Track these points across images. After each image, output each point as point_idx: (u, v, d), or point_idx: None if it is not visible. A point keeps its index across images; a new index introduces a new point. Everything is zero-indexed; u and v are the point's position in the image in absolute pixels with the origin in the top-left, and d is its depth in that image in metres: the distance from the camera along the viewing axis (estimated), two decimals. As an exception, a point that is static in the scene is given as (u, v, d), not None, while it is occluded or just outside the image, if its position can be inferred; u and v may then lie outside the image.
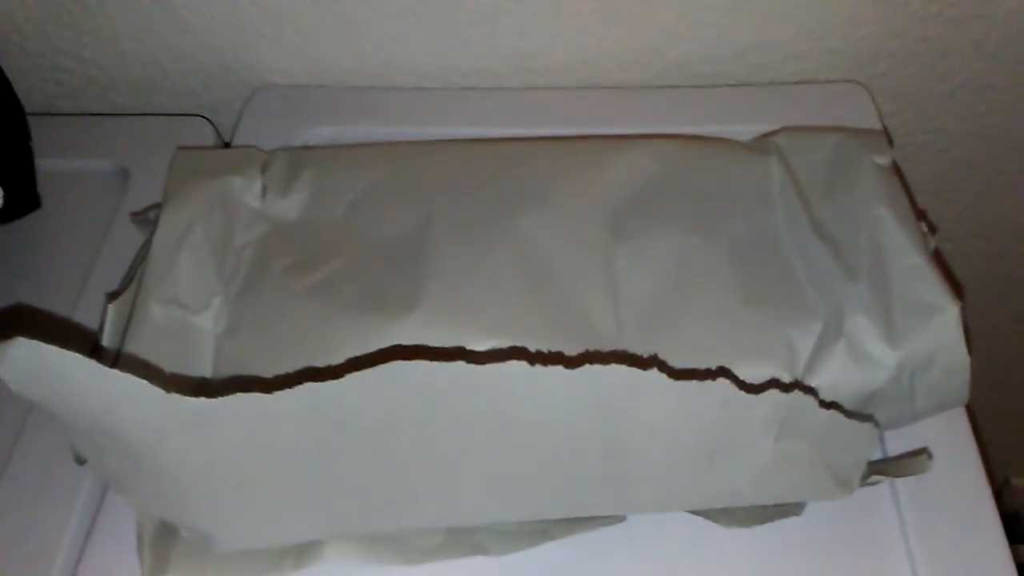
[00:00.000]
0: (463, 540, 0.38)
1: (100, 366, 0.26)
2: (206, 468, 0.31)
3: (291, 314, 0.38)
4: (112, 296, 0.38)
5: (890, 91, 0.58)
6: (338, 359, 0.36)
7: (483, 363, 0.28)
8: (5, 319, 0.45)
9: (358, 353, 0.36)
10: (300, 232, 0.42)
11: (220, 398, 0.27)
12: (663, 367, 0.34)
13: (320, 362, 0.36)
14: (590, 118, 0.52)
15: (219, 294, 0.40)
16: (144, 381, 0.27)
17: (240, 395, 0.27)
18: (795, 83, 0.56)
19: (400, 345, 0.35)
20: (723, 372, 0.36)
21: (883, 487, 0.39)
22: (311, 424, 0.29)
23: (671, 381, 0.30)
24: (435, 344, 0.36)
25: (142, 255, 0.41)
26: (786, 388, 0.33)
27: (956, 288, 0.38)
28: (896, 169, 0.43)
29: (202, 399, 0.27)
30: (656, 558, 0.38)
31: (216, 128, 0.55)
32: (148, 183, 0.50)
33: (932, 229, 0.43)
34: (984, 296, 0.75)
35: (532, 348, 0.36)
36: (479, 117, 0.53)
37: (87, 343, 0.39)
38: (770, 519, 0.38)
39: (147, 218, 0.45)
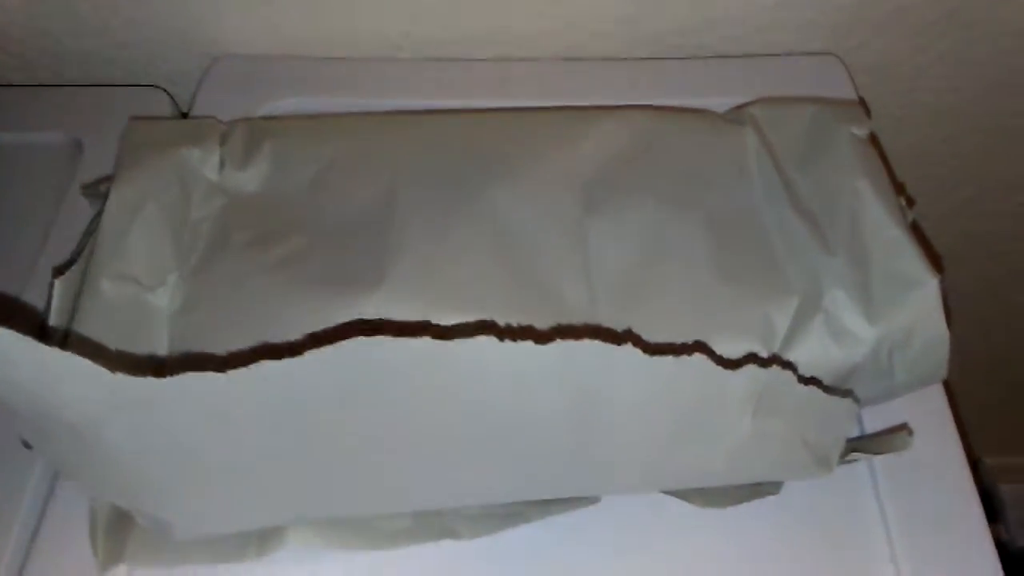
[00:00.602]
0: (433, 524, 0.37)
1: (39, 344, 0.25)
2: (157, 452, 0.29)
3: (251, 291, 0.37)
4: (59, 271, 0.36)
5: (866, 63, 0.57)
6: (298, 336, 0.35)
7: (450, 338, 0.26)
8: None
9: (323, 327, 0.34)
10: (260, 206, 0.41)
11: (169, 377, 0.26)
12: (638, 342, 0.33)
13: (281, 338, 0.35)
14: (562, 90, 0.51)
15: (175, 270, 0.38)
16: (86, 360, 0.25)
17: (191, 374, 0.26)
18: (771, 55, 0.55)
19: (363, 319, 0.33)
20: (700, 347, 0.35)
21: (860, 464, 0.39)
22: (268, 404, 0.28)
23: (646, 356, 0.29)
24: (402, 317, 0.34)
25: (92, 228, 0.39)
26: (764, 363, 0.32)
27: (935, 261, 0.38)
28: (874, 140, 0.42)
29: (150, 378, 0.26)
30: (631, 540, 0.37)
31: (174, 99, 0.53)
32: (102, 156, 0.48)
33: (910, 202, 0.42)
34: (960, 273, 0.75)
35: (502, 322, 0.35)
36: (448, 88, 0.52)
37: (34, 322, 0.37)
38: (747, 499, 0.37)
39: (98, 191, 0.43)
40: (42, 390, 0.26)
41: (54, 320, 0.36)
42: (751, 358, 0.35)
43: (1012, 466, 0.99)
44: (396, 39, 0.54)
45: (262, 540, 0.36)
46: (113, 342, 0.35)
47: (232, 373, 0.26)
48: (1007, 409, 0.93)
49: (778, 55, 0.55)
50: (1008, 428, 0.96)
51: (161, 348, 0.36)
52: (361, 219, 0.39)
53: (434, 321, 0.35)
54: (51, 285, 0.36)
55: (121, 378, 0.25)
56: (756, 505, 0.37)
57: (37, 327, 0.36)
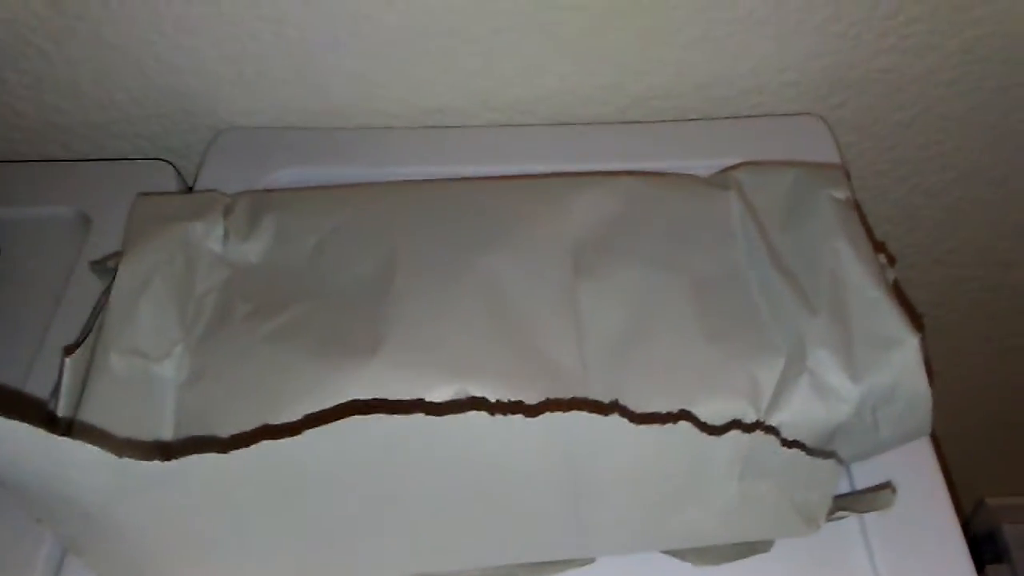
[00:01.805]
0: (431, 586, 0.37)
1: (47, 434, 0.26)
2: (164, 530, 0.30)
3: (253, 362, 0.38)
4: (70, 349, 0.38)
5: (848, 122, 0.58)
6: (301, 406, 0.36)
7: (442, 414, 0.28)
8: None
9: (319, 399, 0.36)
10: (263, 277, 0.42)
11: (174, 461, 0.27)
12: (624, 412, 0.34)
13: (282, 410, 0.36)
14: (553, 154, 0.53)
15: (180, 342, 0.39)
16: (95, 447, 0.26)
17: (195, 456, 0.27)
18: (755, 116, 0.57)
19: (358, 400, 0.35)
20: (685, 415, 0.36)
21: (851, 520, 0.39)
22: (270, 481, 0.29)
23: (632, 426, 0.30)
24: (397, 389, 0.36)
25: (101, 305, 0.41)
26: (748, 428, 0.33)
27: (915, 319, 0.39)
28: (854, 203, 0.44)
29: (155, 463, 0.27)
30: (626, 599, 0.38)
31: (179, 172, 0.55)
32: (110, 229, 0.49)
33: (891, 260, 0.44)
34: (950, 319, 0.76)
35: (496, 390, 0.36)
36: (443, 156, 0.53)
37: (41, 412, 0.38)
38: (740, 556, 0.38)
39: (106, 266, 0.44)
40: (51, 477, 0.27)
41: (64, 397, 0.37)
42: (735, 424, 0.36)
43: (1016, 506, 0.99)
44: (392, 109, 0.56)
45: (266, 607, 0.36)
46: (123, 414, 0.36)
47: (234, 453, 0.27)
48: (1009, 450, 0.94)
49: (761, 116, 0.57)
50: (1010, 469, 0.96)
51: (168, 418, 0.37)
52: (360, 288, 0.40)
53: (429, 388, 0.36)
54: (62, 363, 0.37)
55: (128, 463, 0.26)
56: (750, 562, 0.38)
57: (44, 415, 0.37)
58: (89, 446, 0.26)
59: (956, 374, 0.81)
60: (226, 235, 0.43)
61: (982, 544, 0.98)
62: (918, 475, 0.41)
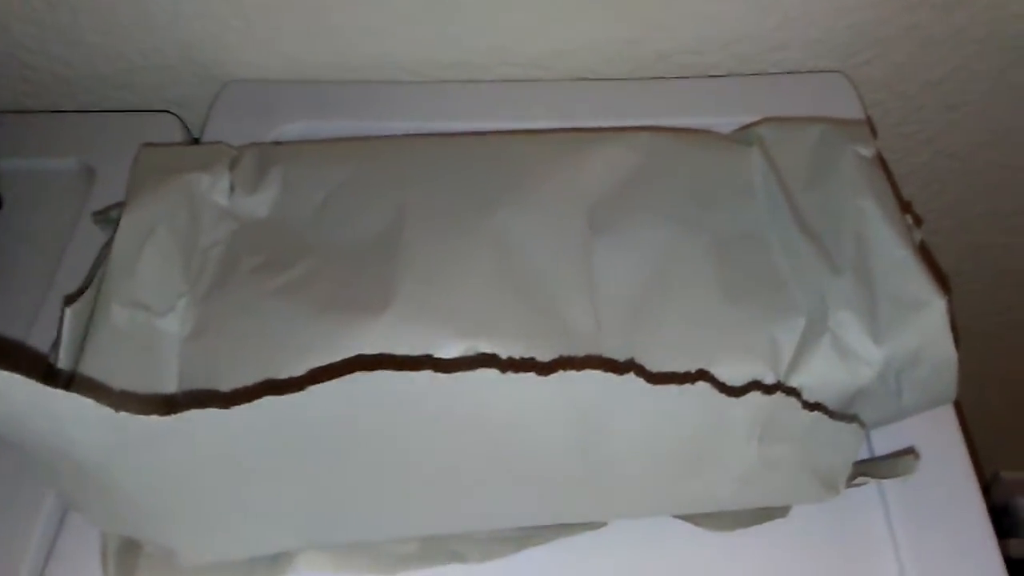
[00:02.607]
0: (440, 548, 0.37)
1: (43, 387, 0.25)
2: (165, 485, 0.29)
3: (260, 316, 0.37)
4: (70, 299, 0.37)
5: (875, 80, 0.57)
6: (308, 362, 0.35)
7: (451, 371, 0.27)
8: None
9: (327, 355, 0.35)
10: (269, 231, 0.41)
11: (173, 416, 0.26)
12: (640, 371, 0.33)
13: (288, 365, 0.35)
14: (570, 111, 0.51)
15: (185, 295, 0.38)
16: (92, 401, 0.25)
17: (195, 411, 0.26)
18: (779, 73, 0.55)
19: (363, 355, 0.34)
20: (703, 375, 0.35)
21: (870, 487, 0.38)
22: (273, 437, 0.28)
23: (648, 386, 0.29)
24: (407, 345, 0.35)
25: (103, 256, 0.40)
26: (768, 389, 0.32)
27: (942, 281, 0.37)
28: (880, 160, 0.42)
29: (155, 417, 0.26)
30: (639, 563, 0.37)
31: (185, 124, 0.54)
32: (114, 181, 0.48)
33: (918, 221, 0.42)
34: (973, 287, 0.74)
35: (508, 348, 0.35)
36: (456, 111, 0.52)
37: (40, 364, 0.38)
38: (755, 522, 0.37)
39: (109, 217, 0.43)
40: (49, 432, 0.26)
41: (65, 348, 0.36)
42: (755, 385, 0.35)
43: (1031, 480, 0.99)
44: (405, 63, 0.55)
45: (271, 565, 0.36)
46: (124, 368, 0.36)
47: (236, 409, 0.26)
48: (1024, 423, 0.93)
49: (785, 73, 0.55)
50: (1026, 442, 0.95)
51: (171, 373, 0.37)
52: (368, 243, 0.39)
53: (439, 346, 0.35)
54: (62, 314, 0.36)
55: (126, 417, 0.26)
56: (765, 528, 0.37)
57: (43, 368, 0.36)
58: (87, 400, 0.25)
59: (976, 343, 0.80)
60: (232, 188, 0.42)
61: (998, 517, 0.97)
62: (939, 442, 0.40)
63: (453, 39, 0.54)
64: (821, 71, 0.55)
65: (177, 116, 0.53)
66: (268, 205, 0.42)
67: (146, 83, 0.56)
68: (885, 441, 0.40)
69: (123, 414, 0.26)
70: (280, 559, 0.36)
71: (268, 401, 0.26)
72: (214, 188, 0.42)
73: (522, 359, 0.34)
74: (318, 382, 0.27)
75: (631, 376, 0.29)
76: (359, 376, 0.26)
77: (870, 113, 0.52)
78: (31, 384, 0.25)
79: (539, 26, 0.53)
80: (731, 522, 0.37)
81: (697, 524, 0.37)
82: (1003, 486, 0.97)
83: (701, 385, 0.30)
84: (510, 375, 0.27)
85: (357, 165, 0.43)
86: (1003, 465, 0.98)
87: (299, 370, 0.35)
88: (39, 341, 0.43)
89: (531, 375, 0.27)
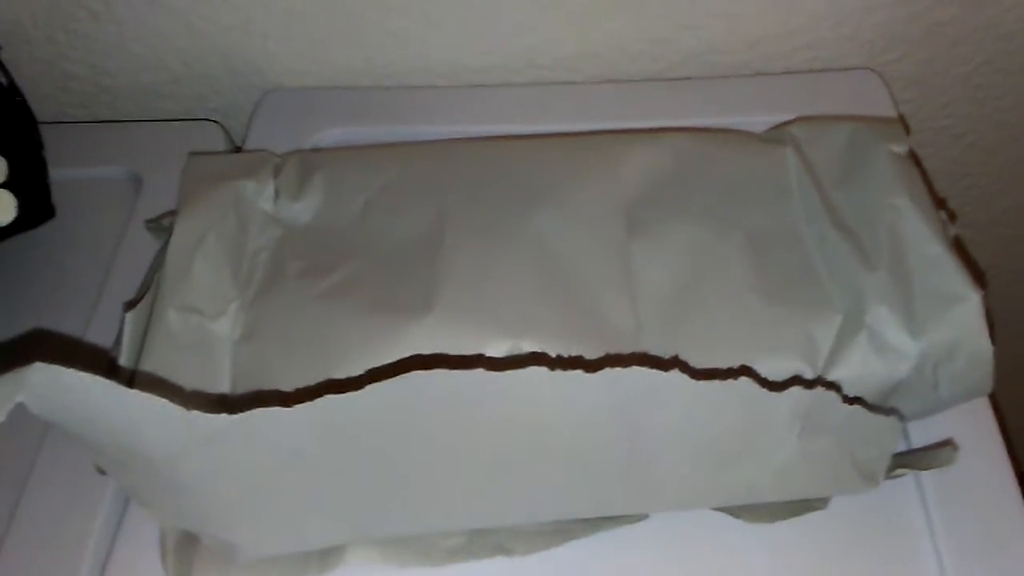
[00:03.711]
0: (486, 541, 0.37)
1: (119, 386, 0.26)
2: (227, 481, 0.31)
3: (307, 319, 0.38)
4: (130, 305, 0.38)
5: (905, 77, 0.57)
6: (354, 363, 0.36)
7: (503, 369, 0.28)
8: (23, 343, 0.45)
9: (373, 356, 0.36)
10: (314, 235, 0.42)
11: (240, 414, 0.27)
12: (684, 367, 0.33)
13: (336, 366, 0.36)
14: (601, 113, 0.52)
15: (235, 300, 0.40)
16: (164, 400, 0.27)
17: (260, 410, 0.27)
18: (809, 72, 0.56)
19: (420, 355, 0.35)
20: (744, 371, 0.35)
21: (908, 479, 0.39)
22: (332, 435, 0.29)
23: (692, 382, 0.30)
24: (451, 346, 0.36)
25: (158, 263, 0.41)
26: (808, 384, 0.33)
27: (977, 276, 0.38)
28: (913, 157, 0.43)
29: (222, 416, 0.27)
30: (680, 555, 0.38)
31: (227, 132, 0.55)
32: (161, 189, 0.50)
33: (952, 216, 0.43)
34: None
35: (550, 347, 0.36)
36: (490, 114, 0.53)
37: (102, 362, 0.39)
38: (794, 514, 0.37)
39: (161, 225, 0.45)
40: (120, 429, 0.28)
41: (124, 350, 0.37)
42: (796, 380, 0.35)
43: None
44: (437, 68, 0.56)
45: (323, 558, 0.37)
46: (180, 369, 0.37)
47: (298, 408, 0.27)
48: (1059, 415, 0.92)
49: (816, 71, 0.56)
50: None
51: (224, 374, 0.38)
52: (411, 246, 0.40)
53: (483, 346, 0.36)
54: (123, 318, 0.38)
55: (195, 415, 0.27)
56: (804, 520, 0.37)
57: (105, 365, 0.38)
58: (158, 399, 0.27)
59: (1009, 335, 0.80)
60: (277, 194, 0.43)
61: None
62: (976, 434, 0.41)
63: (483, 43, 0.55)
64: (852, 68, 0.56)
65: (220, 125, 0.55)
66: (312, 211, 0.43)
67: (188, 93, 0.57)
68: (922, 433, 0.40)
69: (193, 412, 0.27)
70: (330, 553, 0.37)
71: (328, 400, 0.27)
72: (260, 195, 0.43)
73: (569, 357, 0.35)
74: (374, 381, 0.28)
75: (675, 372, 0.29)
76: (417, 375, 0.27)
77: (900, 110, 0.52)
78: (105, 383, 0.26)
79: (567, 29, 0.54)
80: (770, 514, 0.37)
81: (737, 516, 0.38)
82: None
83: (743, 380, 0.30)
84: (559, 372, 0.28)
85: (397, 170, 0.44)
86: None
87: (347, 371, 0.36)
88: (93, 341, 0.44)
89: (579, 372, 0.28)
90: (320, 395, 0.27)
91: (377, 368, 0.35)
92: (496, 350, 0.36)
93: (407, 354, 0.35)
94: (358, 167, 0.44)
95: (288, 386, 0.36)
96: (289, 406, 0.28)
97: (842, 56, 0.56)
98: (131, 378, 0.36)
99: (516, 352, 0.36)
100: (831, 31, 0.54)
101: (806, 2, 0.52)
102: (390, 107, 0.54)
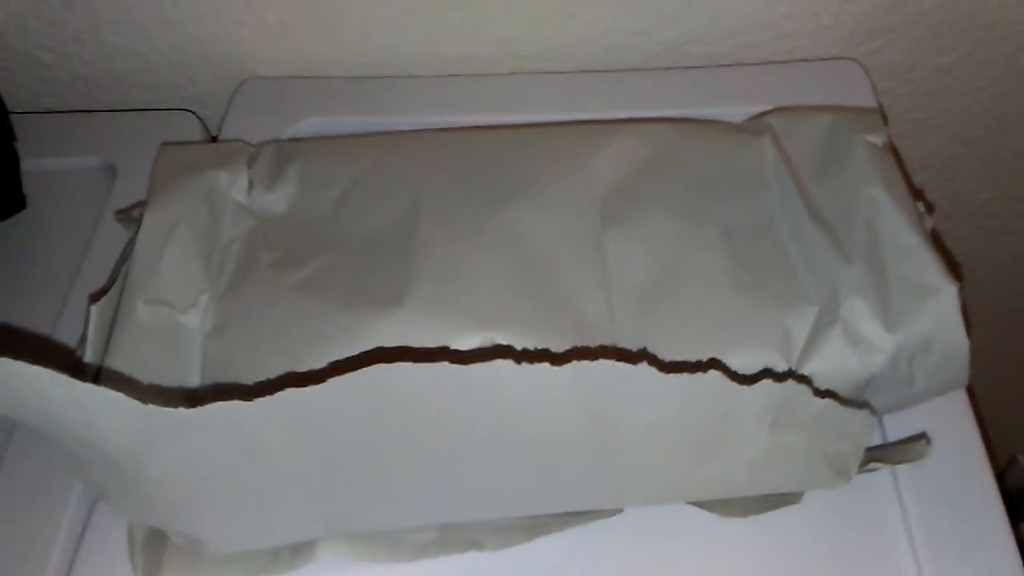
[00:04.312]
0: (458, 536, 0.37)
1: (74, 381, 0.26)
2: (191, 476, 0.30)
3: (279, 311, 0.38)
4: (95, 296, 0.38)
5: (886, 67, 0.57)
6: (326, 356, 0.36)
7: (468, 362, 0.27)
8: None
9: (346, 349, 0.35)
10: (288, 226, 0.42)
11: (199, 408, 0.27)
12: (653, 360, 0.33)
13: (308, 359, 0.36)
14: (581, 103, 0.52)
15: (206, 291, 0.39)
16: (120, 394, 0.26)
17: (220, 404, 0.27)
18: (789, 62, 0.56)
19: (383, 347, 0.34)
20: (714, 364, 0.35)
21: (883, 472, 0.39)
22: (295, 429, 0.29)
23: (661, 375, 0.29)
24: (423, 339, 0.35)
25: (126, 254, 0.40)
26: (779, 378, 0.32)
27: (954, 268, 0.38)
28: (891, 148, 0.42)
29: (181, 409, 0.27)
30: (654, 549, 0.37)
31: (203, 122, 0.54)
32: (135, 179, 0.49)
33: (929, 208, 0.42)
34: (986, 272, 0.74)
35: (523, 339, 0.35)
36: (468, 104, 0.52)
37: (69, 358, 0.39)
38: (768, 508, 0.37)
39: (132, 216, 0.44)
40: (78, 423, 0.27)
41: (91, 345, 0.37)
42: (767, 373, 0.35)
43: (1047, 463, 0.98)
44: (416, 58, 0.55)
45: (293, 553, 0.37)
46: (149, 363, 0.37)
47: (259, 401, 0.27)
48: (1041, 406, 0.92)
49: (797, 61, 0.56)
50: (1043, 426, 0.95)
51: (194, 367, 0.37)
52: (384, 237, 0.40)
53: (456, 338, 0.35)
54: (87, 311, 0.37)
55: (155, 409, 0.26)
56: (778, 514, 0.37)
57: (71, 362, 0.37)
58: (115, 393, 0.26)
59: (989, 328, 0.80)
60: (250, 185, 0.43)
61: (1014, 501, 0.97)
62: (952, 427, 0.41)
63: (461, 32, 0.54)
64: (832, 59, 0.55)
65: (195, 114, 0.54)
66: (286, 201, 0.42)
67: (163, 82, 0.57)
68: (898, 426, 0.40)
69: (150, 406, 0.26)
70: (301, 547, 0.37)
71: (289, 393, 0.27)
72: (233, 185, 0.42)
73: (536, 350, 0.34)
74: (338, 374, 0.27)
75: (644, 365, 0.29)
76: (379, 368, 0.27)
77: (881, 100, 0.52)
78: (61, 377, 0.26)
79: (546, 18, 0.53)
80: (744, 508, 0.37)
81: (710, 510, 0.37)
82: (1019, 469, 0.97)
83: (713, 373, 0.30)
84: (525, 366, 0.28)
85: (372, 161, 0.43)
86: (1020, 448, 0.97)
87: (319, 363, 0.35)
88: (63, 337, 0.44)
89: (545, 365, 0.28)
90: (282, 388, 0.27)
91: (340, 361, 0.34)
92: (469, 342, 0.36)
93: (379, 345, 0.35)
94: (333, 158, 0.44)
95: (258, 379, 0.36)
96: (251, 399, 0.27)
97: (823, 46, 0.55)
98: (97, 374, 0.36)
99: (489, 344, 0.35)
100: (811, 21, 0.54)
101: (787, -8, 0.52)
102: (367, 97, 0.53)
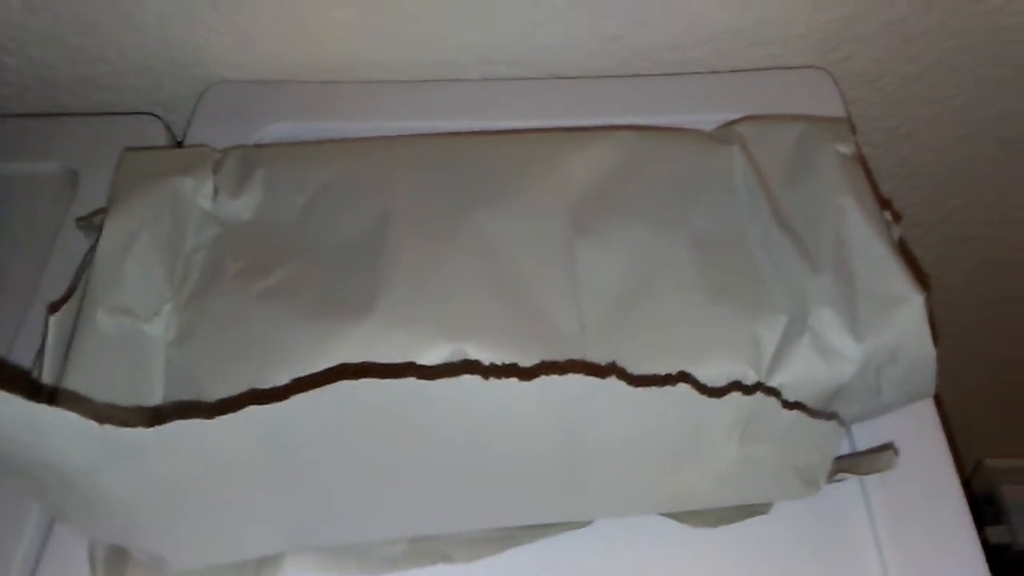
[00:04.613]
0: (427, 548, 0.37)
1: (27, 402, 0.25)
2: (151, 495, 0.29)
3: (244, 321, 0.37)
4: (54, 307, 0.37)
5: (855, 76, 0.57)
6: (294, 366, 0.35)
7: (434, 378, 0.27)
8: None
9: (313, 359, 0.35)
10: (253, 234, 0.41)
11: (156, 428, 0.26)
12: (621, 374, 0.33)
13: (274, 370, 0.35)
14: (554, 109, 0.51)
15: (170, 300, 0.39)
16: (75, 415, 0.25)
17: (178, 423, 0.26)
18: (761, 69, 0.56)
19: (347, 364, 0.34)
20: (683, 377, 0.35)
21: (851, 481, 0.39)
22: (259, 445, 0.28)
23: (629, 388, 0.29)
24: (391, 350, 0.35)
25: (87, 262, 0.40)
26: (748, 390, 0.32)
27: (921, 278, 0.38)
28: (860, 158, 0.43)
29: (138, 430, 0.26)
30: (623, 560, 0.37)
31: (168, 127, 0.53)
32: (98, 185, 0.47)
33: (897, 217, 0.43)
34: (954, 279, 0.75)
35: (493, 351, 0.35)
36: (440, 110, 0.52)
37: (23, 378, 0.38)
38: (738, 518, 0.37)
39: (93, 223, 0.43)
40: (33, 445, 0.26)
41: (49, 357, 0.36)
42: (735, 385, 0.35)
43: (1014, 468, 0.99)
44: (387, 62, 0.55)
45: (259, 567, 0.36)
46: (111, 374, 0.36)
47: (219, 419, 0.26)
48: (1008, 411, 0.93)
49: (766, 69, 0.56)
50: (1010, 430, 0.96)
51: (158, 378, 0.37)
52: (353, 245, 0.39)
53: (424, 350, 0.35)
54: (46, 322, 0.37)
55: (109, 430, 0.26)
56: (748, 524, 0.37)
57: (26, 381, 0.36)
58: (70, 414, 0.25)
59: (957, 335, 0.81)
60: (216, 191, 0.42)
61: (981, 505, 0.98)
62: (919, 436, 0.41)
63: (435, 38, 0.54)
64: (802, 67, 0.55)
65: (160, 119, 0.53)
66: (252, 208, 0.42)
67: (128, 85, 0.56)
68: (865, 435, 0.40)
69: (106, 427, 0.26)
70: (267, 562, 0.36)
71: (251, 411, 0.26)
72: (198, 192, 0.42)
73: (504, 365, 0.34)
74: (302, 391, 0.27)
75: (613, 379, 0.29)
76: (343, 384, 0.26)
77: (850, 108, 0.52)
78: (13, 399, 0.25)
79: (519, 24, 0.53)
80: (714, 519, 0.37)
81: (681, 521, 0.37)
82: (986, 474, 0.98)
83: (682, 387, 0.30)
84: (493, 381, 0.27)
85: (340, 167, 0.43)
86: (986, 453, 0.99)
87: (285, 375, 0.35)
88: (24, 346, 0.43)
89: (513, 380, 0.28)
90: (245, 405, 0.27)
91: (304, 378, 0.34)
92: (438, 353, 0.35)
93: (346, 358, 0.35)
94: (301, 164, 0.43)
95: (223, 390, 0.35)
96: (212, 417, 0.27)
97: (795, 54, 0.55)
98: (54, 390, 0.35)
99: (458, 355, 0.35)
100: (784, 28, 0.54)
101: (758, 1, 0.52)
102: (336, 102, 0.53)
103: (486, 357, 0.35)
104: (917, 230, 0.69)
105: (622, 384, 0.29)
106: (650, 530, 0.37)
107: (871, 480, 0.39)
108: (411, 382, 0.27)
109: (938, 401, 0.42)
